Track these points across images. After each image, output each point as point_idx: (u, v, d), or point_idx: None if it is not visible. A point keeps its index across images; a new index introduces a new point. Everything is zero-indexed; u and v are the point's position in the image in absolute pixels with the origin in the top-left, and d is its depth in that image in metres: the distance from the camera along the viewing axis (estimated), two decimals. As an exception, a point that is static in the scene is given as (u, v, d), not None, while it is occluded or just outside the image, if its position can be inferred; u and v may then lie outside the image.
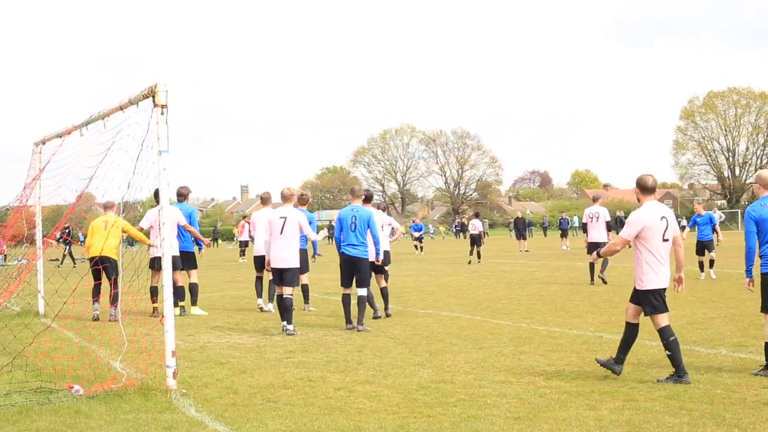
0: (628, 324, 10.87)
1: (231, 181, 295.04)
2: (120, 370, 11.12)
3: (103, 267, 16.62)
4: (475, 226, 39.77)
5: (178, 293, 17.85)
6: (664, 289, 10.66)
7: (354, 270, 15.99)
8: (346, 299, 16.04)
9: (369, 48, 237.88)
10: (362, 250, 15.87)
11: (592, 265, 24.59)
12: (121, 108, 11.65)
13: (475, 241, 38.96)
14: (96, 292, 17.65)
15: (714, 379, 10.47)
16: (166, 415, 9.15)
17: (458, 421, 8.68)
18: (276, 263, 15.43)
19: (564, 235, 56.39)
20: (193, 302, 18.76)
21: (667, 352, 10.50)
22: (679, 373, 10.36)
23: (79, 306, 15.46)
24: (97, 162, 12.29)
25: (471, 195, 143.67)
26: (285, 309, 15.32)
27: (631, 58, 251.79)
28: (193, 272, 19.05)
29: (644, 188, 10.86)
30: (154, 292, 18.16)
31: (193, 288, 18.95)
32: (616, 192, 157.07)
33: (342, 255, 16.13)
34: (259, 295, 19.69)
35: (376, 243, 16.17)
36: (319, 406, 9.45)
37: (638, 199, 10.87)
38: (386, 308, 17.56)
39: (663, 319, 10.61)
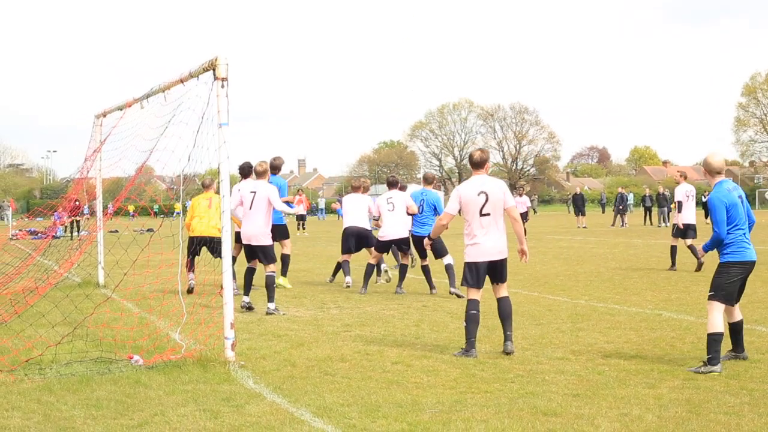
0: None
1: (288, 154, 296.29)
2: (179, 341, 11.21)
3: (209, 247, 17.22)
4: (522, 202, 39.74)
5: (283, 262, 18.46)
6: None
7: (421, 247, 17.19)
8: (425, 269, 17.69)
9: (429, 22, 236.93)
10: (427, 230, 16.60)
11: (692, 248, 21.77)
12: (182, 81, 11.68)
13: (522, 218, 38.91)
14: (191, 264, 17.76)
15: (776, 359, 10.32)
16: (224, 387, 9.21)
17: (516, 397, 8.64)
18: (247, 240, 14.95)
19: (622, 212, 55.83)
20: (283, 273, 18.62)
21: None
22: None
23: (139, 277, 15.59)
24: (158, 134, 12.34)
25: (528, 170, 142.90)
26: (266, 286, 14.90)
27: (693, 34, 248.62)
28: (286, 242, 18.68)
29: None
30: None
31: (285, 259, 18.63)
32: (676, 169, 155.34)
33: (412, 235, 17.64)
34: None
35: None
36: (377, 380, 9.46)
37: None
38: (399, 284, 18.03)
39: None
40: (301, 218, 49.35)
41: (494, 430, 7.45)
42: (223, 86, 10.58)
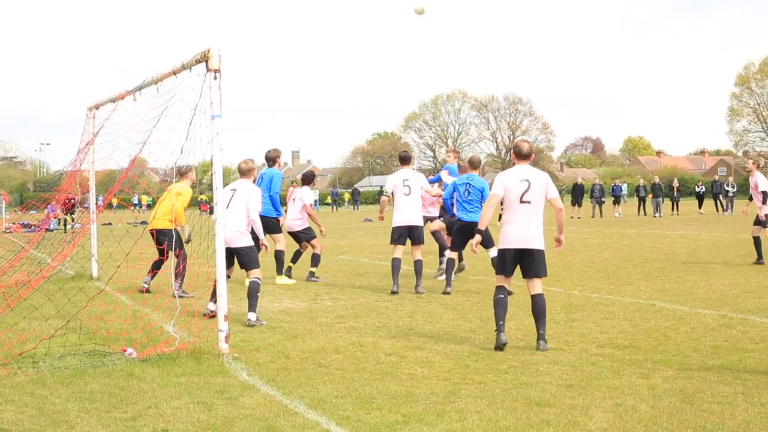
0: None
1: (282, 146, 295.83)
2: (173, 333, 11.19)
3: (156, 240, 16.25)
4: None
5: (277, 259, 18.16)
6: None
7: (468, 234, 15.50)
8: (450, 263, 16.48)
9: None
10: (473, 216, 15.71)
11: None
12: (174, 73, 11.66)
13: None
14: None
15: (770, 349, 10.34)
16: (218, 379, 9.20)
17: (510, 387, 8.65)
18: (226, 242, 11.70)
19: (617, 202, 55.85)
20: (278, 271, 18.34)
21: None
22: None
23: (132, 270, 15.56)
24: (150, 127, 12.30)
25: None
26: (248, 295, 13.15)
27: (686, 24, 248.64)
28: (278, 237, 18.09)
29: None
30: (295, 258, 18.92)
31: (278, 255, 18.21)
32: (669, 159, 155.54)
33: (458, 221, 16.35)
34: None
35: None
36: (371, 372, 9.46)
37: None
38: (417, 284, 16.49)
39: None
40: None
41: (488, 421, 7.45)
42: (215, 78, 10.55)
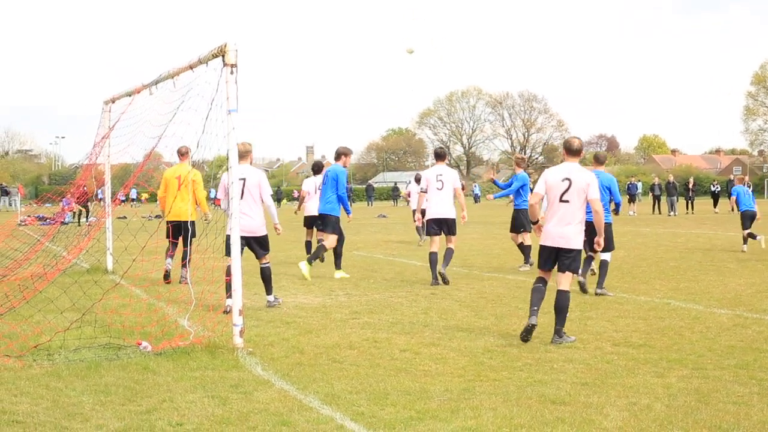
0: None
1: (296, 141, 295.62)
2: (187, 327, 11.21)
3: (181, 231, 16.39)
4: None
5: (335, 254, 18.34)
6: None
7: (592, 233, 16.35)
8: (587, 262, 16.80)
9: (437, 8, 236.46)
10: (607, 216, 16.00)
11: None
12: (191, 67, 11.67)
13: None
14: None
15: (785, 349, 10.30)
16: (233, 373, 9.21)
17: (524, 385, 8.63)
18: (245, 231, 12.91)
19: (632, 200, 55.69)
20: (309, 259, 18.02)
21: None
22: None
23: (147, 264, 15.60)
24: (166, 121, 12.32)
25: (537, 158, 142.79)
26: (265, 279, 13.92)
27: (703, 22, 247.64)
28: (328, 235, 17.91)
29: None
30: (308, 247, 20.79)
31: (318, 249, 18.01)
32: (684, 158, 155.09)
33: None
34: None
35: None
36: (385, 368, 9.46)
37: None
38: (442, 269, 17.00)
39: None
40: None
41: (503, 418, 7.44)
42: (232, 72, 10.55)
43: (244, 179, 13.43)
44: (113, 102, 18.12)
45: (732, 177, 65.65)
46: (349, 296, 15.16)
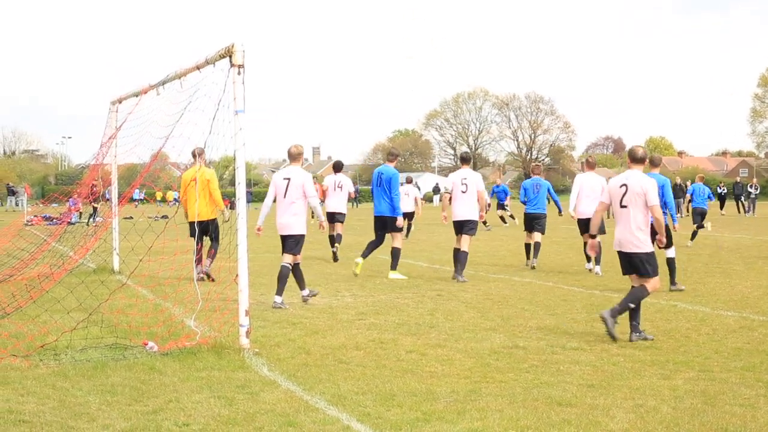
0: None
1: (303, 142, 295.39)
2: (194, 328, 11.22)
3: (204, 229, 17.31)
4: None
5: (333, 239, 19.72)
6: None
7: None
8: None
9: (443, 10, 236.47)
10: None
11: None
12: (198, 68, 11.68)
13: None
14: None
15: (792, 351, 10.28)
16: (239, 374, 9.22)
17: (531, 387, 8.63)
18: (280, 230, 14.20)
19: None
20: (393, 266, 18.52)
21: None
22: None
23: (154, 264, 15.60)
24: (173, 121, 12.32)
25: (543, 160, 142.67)
26: (280, 278, 14.10)
27: (710, 23, 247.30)
28: (396, 235, 18.41)
29: None
30: (332, 240, 22.42)
31: (395, 252, 18.45)
32: (691, 160, 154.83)
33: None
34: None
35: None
36: (391, 369, 9.46)
37: None
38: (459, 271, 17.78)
39: None
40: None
41: (509, 420, 7.44)
42: (239, 73, 10.56)
43: (288, 179, 14.07)
44: (120, 102, 18.13)
45: (738, 179, 65.41)
46: (355, 297, 15.16)
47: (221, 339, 10.58)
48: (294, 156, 14.36)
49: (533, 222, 20.86)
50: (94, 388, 8.61)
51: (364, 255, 18.52)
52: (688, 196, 24.85)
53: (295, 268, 14.29)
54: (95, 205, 33.97)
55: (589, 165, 19.95)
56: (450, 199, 18.19)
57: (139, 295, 15.10)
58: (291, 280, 14.14)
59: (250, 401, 8.12)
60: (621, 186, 11.40)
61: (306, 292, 14.45)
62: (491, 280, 17.84)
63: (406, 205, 26.99)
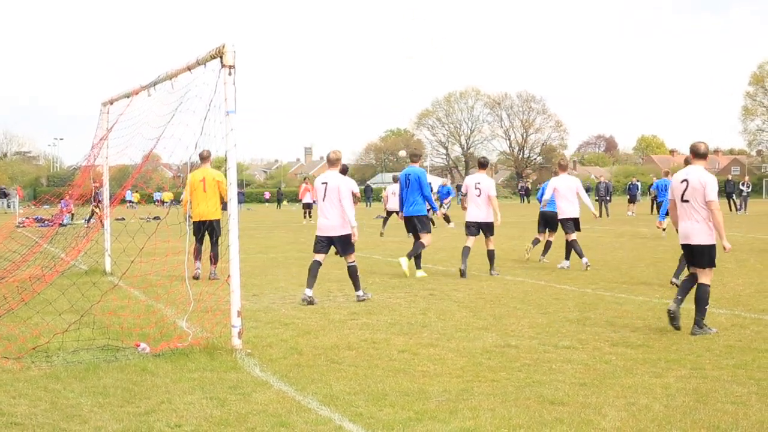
0: None
1: (295, 142, 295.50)
2: (186, 329, 11.21)
3: (208, 229, 18.00)
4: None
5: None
6: None
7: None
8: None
9: (434, 9, 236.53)
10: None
11: None
12: (189, 68, 11.67)
13: None
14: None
15: (784, 349, 10.30)
16: (231, 375, 9.21)
17: (523, 386, 8.64)
18: (322, 231, 14.93)
19: (632, 200, 55.58)
20: (417, 265, 18.85)
21: None
22: None
23: (146, 265, 15.58)
24: (165, 122, 12.30)
25: (535, 159, 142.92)
26: (351, 276, 15.03)
27: (701, 22, 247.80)
28: (424, 235, 18.75)
29: None
30: None
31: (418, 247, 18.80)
32: (683, 158, 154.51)
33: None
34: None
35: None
36: (383, 368, 9.46)
37: None
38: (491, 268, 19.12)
39: None
40: (307, 207, 49.23)
41: (501, 419, 7.44)
42: (230, 74, 10.54)
43: (326, 183, 14.72)
44: (111, 103, 18.10)
45: (730, 177, 65.56)
46: (348, 297, 15.15)
47: (213, 340, 10.56)
48: (332, 161, 15.03)
49: (554, 221, 21.61)
50: (86, 390, 8.59)
51: (410, 255, 18.73)
52: (653, 191, 25.05)
53: (351, 269, 15.03)
54: (95, 207, 34.00)
55: (562, 167, 20.85)
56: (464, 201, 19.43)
57: (131, 296, 15.10)
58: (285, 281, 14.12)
59: (242, 402, 8.11)
60: (682, 181, 11.76)
61: (360, 293, 14.96)
62: (483, 279, 17.86)
63: (393, 203, 28.52)
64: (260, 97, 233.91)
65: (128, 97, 15.52)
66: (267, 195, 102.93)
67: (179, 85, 12.24)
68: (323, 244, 14.92)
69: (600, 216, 49.58)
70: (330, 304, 14.33)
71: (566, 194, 20.08)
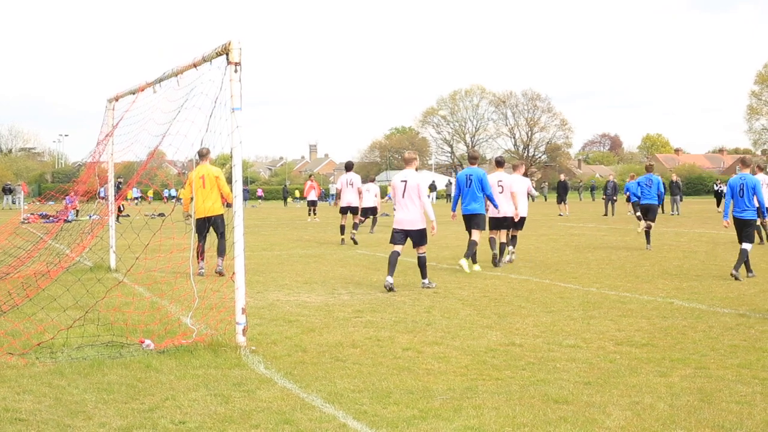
0: None
1: (300, 140, 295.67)
2: (190, 325, 11.21)
3: (213, 225, 18.25)
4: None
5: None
6: None
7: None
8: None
9: (442, 7, 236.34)
10: (748, 213, 19.60)
11: None
12: (195, 65, 11.66)
13: None
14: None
15: (788, 349, 10.29)
16: (235, 372, 9.21)
17: (527, 384, 8.63)
18: (400, 225, 16.19)
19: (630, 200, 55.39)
20: (467, 255, 19.22)
21: None
22: None
23: (150, 262, 15.61)
24: (170, 119, 12.30)
25: (540, 157, 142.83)
26: (420, 265, 16.34)
27: (707, 21, 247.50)
28: (474, 231, 19.28)
29: None
30: (342, 230, 28.03)
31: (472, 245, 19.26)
32: (688, 157, 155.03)
33: (733, 218, 19.53)
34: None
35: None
36: (388, 366, 9.45)
37: None
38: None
39: None
40: (312, 204, 49.21)
41: (505, 418, 7.43)
42: (236, 71, 10.54)
43: (405, 181, 16.15)
44: (117, 100, 18.10)
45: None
46: (352, 295, 15.16)
47: (218, 337, 10.56)
48: (408, 161, 16.57)
49: (647, 212, 25.33)
50: (91, 386, 8.59)
51: (467, 256, 19.18)
52: (627, 193, 27.34)
53: (421, 259, 16.33)
54: (120, 204, 34.05)
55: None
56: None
57: (136, 293, 15.10)
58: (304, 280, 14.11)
59: (246, 399, 8.11)
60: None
61: (426, 281, 16.29)
62: (488, 277, 17.85)
63: (367, 200, 30.41)
64: (266, 94, 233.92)
65: (133, 93, 15.52)
66: (260, 192, 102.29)
67: (185, 82, 12.23)
68: (401, 236, 16.26)
69: (606, 215, 49.62)
70: (334, 302, 14.33)
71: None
